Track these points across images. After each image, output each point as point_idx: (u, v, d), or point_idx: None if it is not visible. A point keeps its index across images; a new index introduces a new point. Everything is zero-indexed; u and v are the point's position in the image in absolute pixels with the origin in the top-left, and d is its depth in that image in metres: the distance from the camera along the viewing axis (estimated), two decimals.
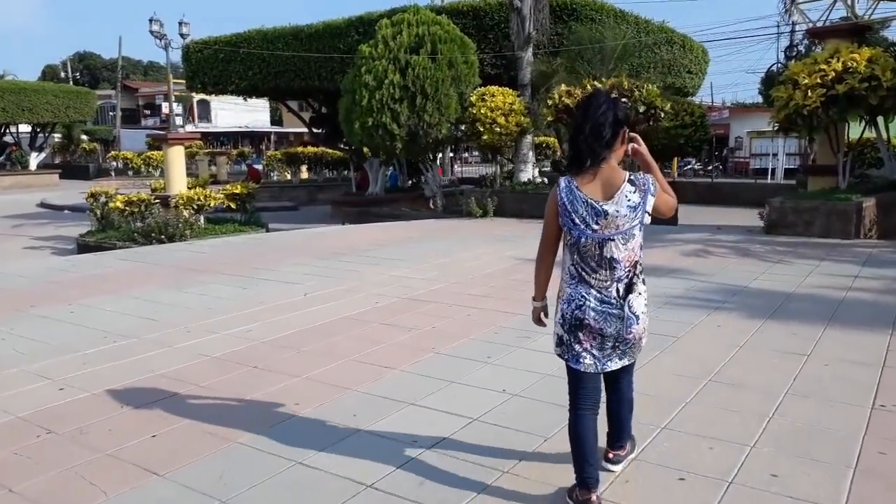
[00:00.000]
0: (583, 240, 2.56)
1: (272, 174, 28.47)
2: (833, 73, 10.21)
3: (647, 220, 2.58)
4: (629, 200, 2.53)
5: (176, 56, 19.95)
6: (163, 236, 12.52)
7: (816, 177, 11.98)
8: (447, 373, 4.39)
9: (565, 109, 12.02)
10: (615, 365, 2.68)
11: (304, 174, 28.41)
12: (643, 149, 2.72)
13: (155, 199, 13.96)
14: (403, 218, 14.73)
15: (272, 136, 60.52)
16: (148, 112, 63.22)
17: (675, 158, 26.25)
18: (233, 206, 14.66)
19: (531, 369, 4.42)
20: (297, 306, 6.32)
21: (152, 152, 33.17)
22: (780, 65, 31.96)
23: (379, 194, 19.60)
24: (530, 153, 14.95)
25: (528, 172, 14.75)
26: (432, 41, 13.11)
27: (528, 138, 14.68)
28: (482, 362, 4.60)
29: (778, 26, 29.37)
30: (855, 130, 11.93)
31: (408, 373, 4.42)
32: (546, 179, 16.84)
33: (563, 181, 2.62)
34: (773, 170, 27.92)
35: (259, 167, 32.07)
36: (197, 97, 53.88)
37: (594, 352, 2.63)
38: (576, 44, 13.54)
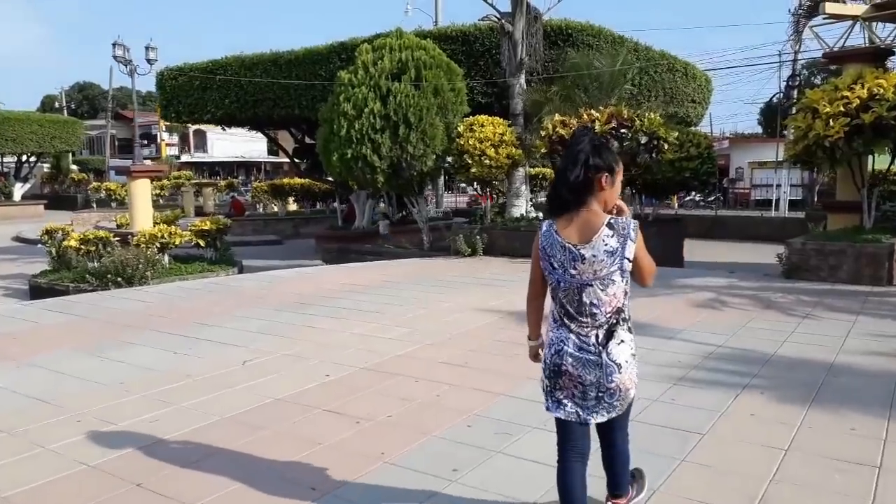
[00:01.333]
0: (562, 284, 2.53)
1: (258, 206, 27.41)
2: (857, 101, 9.21)
3: (628, 266, 2.48)
4: (606, 245, 2.45)
5: (150, 83, 18.95)
6: (119, 278, 11.41)
7: (837, 214, 10.91)
8: (393, 501, 3.21)
9: (560, 140, 10.98)
10: (600, 418, 2.58)
11: (293, 206, 27.39)
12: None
13: (114, 236, 12.87)
14: (386, 256, 13.62)
15: (263, 166, 59.79)
16: (145, 142, 62.70)
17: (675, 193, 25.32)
18: (202, 243, 13.55)
19: (510, 494, 3.24)
20: (229, 381, 5.15)
21: None
22: (781, 94, 31.24)
23: (366, 228, 18.59)
24: (523, 187, 13.89)
25: (521, 207, 13.67)
26: (416, 67, 12.12)
27: (521, 171, 13.64)
28: (444, 479, 3.42)
29: (780, 55, 28.65)
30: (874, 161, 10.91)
31: (339, 500, 3.24)
32: (541, 214, 15.77)
33: (544, 224, 2.59)
34: (777, 201, 27.00)
35: (248, 198, 31.09)
36: (193, 127, 53.20)
37: (577, 401, 2.55)
38: (571, 70, 12.57)
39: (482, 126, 12.28)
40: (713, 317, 7.22)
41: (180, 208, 31.30)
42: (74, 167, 45.81)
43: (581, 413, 2.54)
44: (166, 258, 12.78)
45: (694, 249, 13.75)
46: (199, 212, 30.63)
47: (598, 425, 2.65)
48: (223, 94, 17.82)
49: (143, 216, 13.42)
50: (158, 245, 12.58)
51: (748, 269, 10.83)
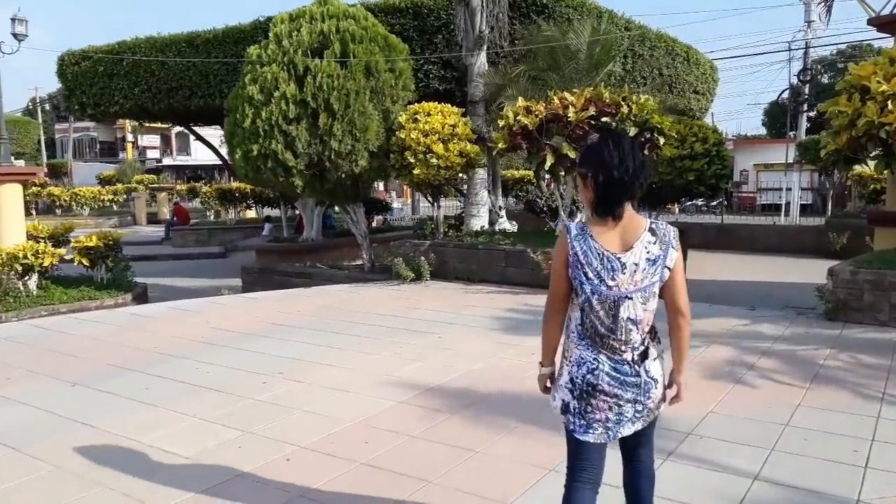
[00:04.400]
0: (596, 297, 2.23)
1: (208, 213, 24.72)
2: None
3: (667, 276, 2.23)
4: (648, 252, 2.22)
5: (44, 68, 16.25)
6: None
7: (887, 229, 8.28)
8: None
9: (522, 133, 8.35)
10: (627, 431, 2.32)
11: (252, 213, 24.72)
12: None
13: None
14: (315, 279, 10.98)
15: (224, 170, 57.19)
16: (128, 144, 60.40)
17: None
18: (86, 262, 10.91)
19: None
20: None
21: (80, 188, 29.47)
22: (790, 91, 28.62)
23: (316, 240, 15.98)
24: (484, 192, 11.21)
25: (483, 218, 11.01)
26: (342, 40, 9.45)
27: (481, 172, 10.99)
28: None
29: (790, 46, 26.10)
30: None
31: None
32: (515, 225, 13.13)
33: (574, 227, 2.29)
34: (787, 206, 24.56)
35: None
36: (176, 129, 50.89)
37: (610, 416, 2.27)
38: (543, 43, 9.93)
39: (428, 115, 9.62)
40: (737, 401, 4.56)
41: (132, 215, 28.78)
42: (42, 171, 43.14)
43: (610, 433, 2.29)
44: (33, 283, 10.14)
45: (699, 263, 11.15)
46: (153, 219, 28.05)
47: (623, 441, 2.39)
48: (132, 82, 15.07)
49: (11, 230, 10.75)
50: (19, 268, 9.96)
51: (773, 300, 8.20)
